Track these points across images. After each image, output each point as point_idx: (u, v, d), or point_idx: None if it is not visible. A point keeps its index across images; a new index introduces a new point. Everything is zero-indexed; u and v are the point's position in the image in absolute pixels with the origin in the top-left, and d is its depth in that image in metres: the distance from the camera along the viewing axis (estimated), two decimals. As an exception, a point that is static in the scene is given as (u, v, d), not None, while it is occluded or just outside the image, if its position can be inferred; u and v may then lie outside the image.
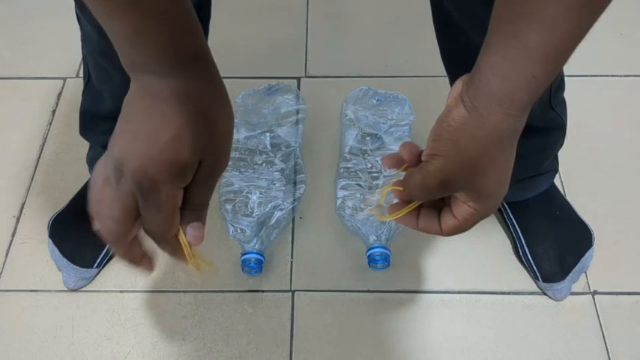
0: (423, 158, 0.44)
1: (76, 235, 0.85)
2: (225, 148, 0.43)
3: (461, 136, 0.41)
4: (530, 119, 0.75)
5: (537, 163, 0.80)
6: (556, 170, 0.85)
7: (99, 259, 0.84)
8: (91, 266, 0.84)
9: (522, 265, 0.85)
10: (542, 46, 0.37)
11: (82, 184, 0.90)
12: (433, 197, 0.47)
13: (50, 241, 0.86)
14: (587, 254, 0.83)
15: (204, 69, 0.40)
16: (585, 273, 0.84)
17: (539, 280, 0.82)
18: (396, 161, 0.49)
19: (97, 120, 0.79)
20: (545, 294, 0.82)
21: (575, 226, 0.85)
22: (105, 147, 0.83)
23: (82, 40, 0.73)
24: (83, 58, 0.76)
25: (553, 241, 0.83)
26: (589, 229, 0.85)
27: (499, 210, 0.88)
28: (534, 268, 0.82)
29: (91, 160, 0.86)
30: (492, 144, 0.41)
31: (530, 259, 0.82)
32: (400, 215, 0.49)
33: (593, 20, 0.36)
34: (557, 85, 0.73)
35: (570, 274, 0.81)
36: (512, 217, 0.85)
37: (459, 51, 0.71)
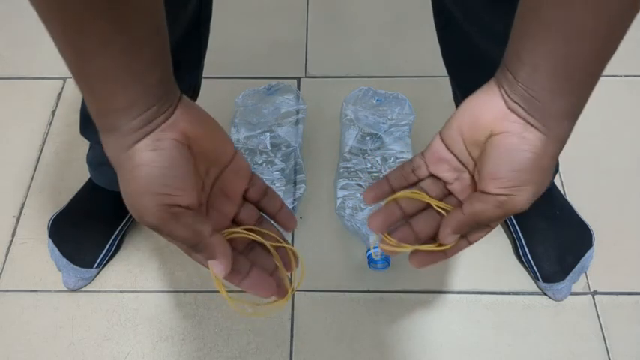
0: (498, 192, 0.41)
1: (76, 235, 0.85)
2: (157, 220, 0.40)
3: (546, 161, 0.41)
4: None
5: None
6: (556, 170, 0.85)
7: (99, 259, 0.84)
8: (90, 266, 0.84)
9: (522, 265, 0.85)
10: (594, 58, 0.38)
11: (82, 184, 0.90)
12: None
13: (50, 240, 0.86)
14: (587, 254, 0.83)
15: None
16: (585, 273, 0.84)
17: (539, 280, 0.82)
18: (380, 194, 0.48)
19: None
20: (545, 294, 0.82)
21: (575, 226, 0.85)
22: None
23: None
24: None
25: (553, 241, 0.83)
26: (589, 229, 0.85)
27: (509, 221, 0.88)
28: (534, 268, 0.82)
29: (91, 160, 0.86)
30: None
31: (530, 259, 0.82)
32: (451, 245, 0.46)
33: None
34: None
35: (570, 274, 0.81)
36: (512, 217, 0.85)
37: (461, 51, 0.71)
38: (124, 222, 0.87)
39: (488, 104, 0.42)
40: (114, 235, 0.85)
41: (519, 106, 0.40)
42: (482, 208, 0.42)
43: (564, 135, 0.41)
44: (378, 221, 0.47)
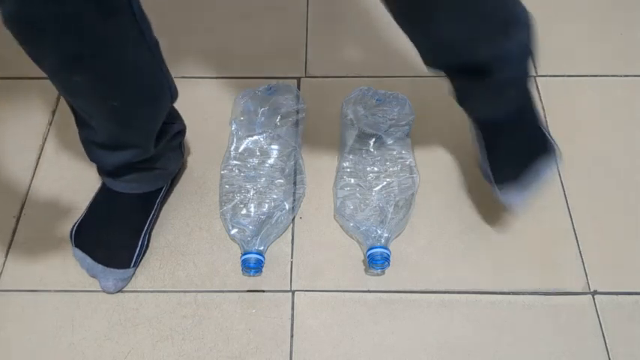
0: None
1: (106, 240, 0.84)
2: None
3: None
4: (489, 54, 0.69)
5: (508, 85, 0.78)
6: (528, 79, 0.80)
7: (134, 258, 0.84)
8: (127, 266, 0.83)
9: (483, 176, 0.83)
10: None
11: (81, 184, 0.90)
12: None
13: (78, 250, 0.84)
14: (546, 164, 0.81)
15: None
16: (585, 273, 0.84)
17: (494, 185, 0.81)
18: None
19: (97, 148, 0.79)
20: (500, 200, 0.82)
21: (539, 139, 0.83)
22: (116, 167, 0.83)
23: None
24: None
25: (512, 150, 0.81)
26: (552, 146, 0.83)
27: (476, 132, 0.86)
28: (490, 173, 0.81)
29: (109, 171, 0.85)
30: None
31: (488, 166, 0.82)
32: None
33: None
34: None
35: (524, 181, 0.80)
36: (482, 135, 0.84)
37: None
38: (150, 217, 0.87)
39: None
40: (143, 232, 0.85)
41: None
42: None
43: None
44: None
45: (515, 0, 0.72)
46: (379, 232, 0.84)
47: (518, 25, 0.73)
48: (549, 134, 0.83)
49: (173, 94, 0.78)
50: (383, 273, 0.84)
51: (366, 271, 0.85)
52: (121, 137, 0.76)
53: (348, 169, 0.91)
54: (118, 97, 0.68)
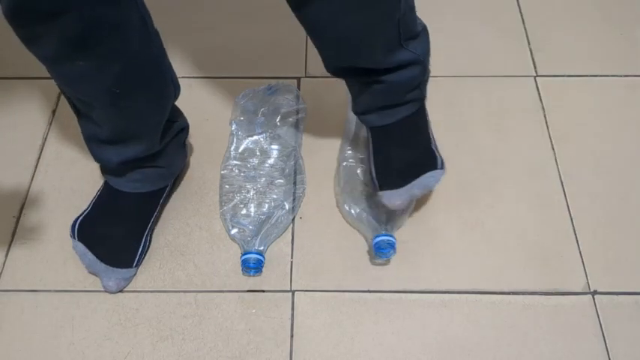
0: None
1: (109, 239, 0.84)
2: None
3: None
4: (380, 63, 0.72)
5: (398, 95, 0.79)
6: (422, 99, 0.83)
7: (137, 258, 0.84)
8: (130, 266, 0.84)
9: (372, 183, 0.84)
10: None
11: (81, 184, 0.90)
12: None
13: (81, 245, 0.84)
14: (430, 174, 0.80)
15: None
16: (585, 273, 0.84)
17: (377, 190, 0.81)
18: None
19: (102, 145, 0.79)
20: (383, 204, 0.81)
21: (423, 151, 0.83)
22: (121, 164, 0.83)
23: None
24: (65, 97, 0.77)
25: (396, 157, 0.82)
26: (436, 157, 0.83)
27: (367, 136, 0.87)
28: (374, 178, 0.82)
29: (116, 172, 0.85)
30: None
31: (373, 171, 0.82)
32: None
33: None
34: (407, 27, 0.72)
35: (408, 186, 0.79)
36: (370, 138, 0.85)
37: None
38: (153, 217, 0.87)
39: None
40: (146, 232, 0.85)
41: None
42: None
43: None
44: None
45: (412, 16, 0.73)
46: (381, 218, 0.83)
47: (415, 39, 0.75)
48: (439, 153, 0.84)
49: (176, 88, 0.79)
50: (388, 262, 0.84)
51: (366, 271, 0.85)
52: (126, 130, 0.76)
53: (352, 160, 0.91)
54: (120, 83, 0.68)
